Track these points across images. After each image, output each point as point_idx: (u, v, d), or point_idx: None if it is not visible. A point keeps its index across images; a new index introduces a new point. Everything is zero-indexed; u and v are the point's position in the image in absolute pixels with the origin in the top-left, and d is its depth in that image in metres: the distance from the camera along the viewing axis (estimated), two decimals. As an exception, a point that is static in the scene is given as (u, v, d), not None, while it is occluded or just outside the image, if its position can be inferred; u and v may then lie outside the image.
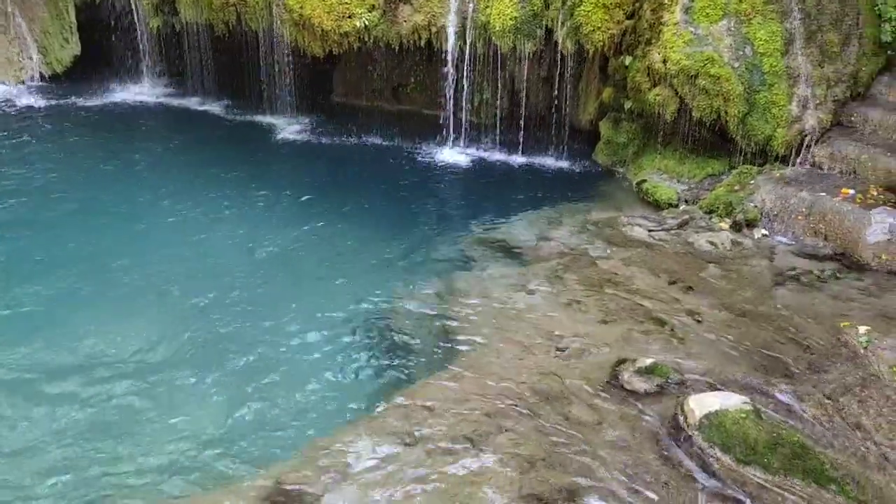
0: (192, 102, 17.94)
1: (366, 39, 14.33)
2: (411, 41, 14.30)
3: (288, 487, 6.03)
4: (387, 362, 7.99)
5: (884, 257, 9.98)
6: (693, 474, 6.14)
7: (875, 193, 10.83)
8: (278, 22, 14.94)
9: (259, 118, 16.78)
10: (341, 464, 6.27)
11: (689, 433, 6.44)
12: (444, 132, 14.98)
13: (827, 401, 7.23)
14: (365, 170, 14.07)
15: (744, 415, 6.41)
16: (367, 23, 13.93)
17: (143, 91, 18.51)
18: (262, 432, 6.88)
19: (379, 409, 7.10)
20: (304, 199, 12.44)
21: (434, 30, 14.03)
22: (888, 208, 10.39)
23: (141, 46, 18.22)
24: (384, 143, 15.41)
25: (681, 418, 6.60)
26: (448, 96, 14.60)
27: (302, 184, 13.13)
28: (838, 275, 9.78)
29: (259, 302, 9.04)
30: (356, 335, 8.44)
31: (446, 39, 14.01)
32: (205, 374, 7.64)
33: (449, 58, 14.19)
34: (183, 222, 11.33)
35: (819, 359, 7.88)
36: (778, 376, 7.52)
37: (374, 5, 13.95)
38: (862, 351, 7.90)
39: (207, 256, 10.27)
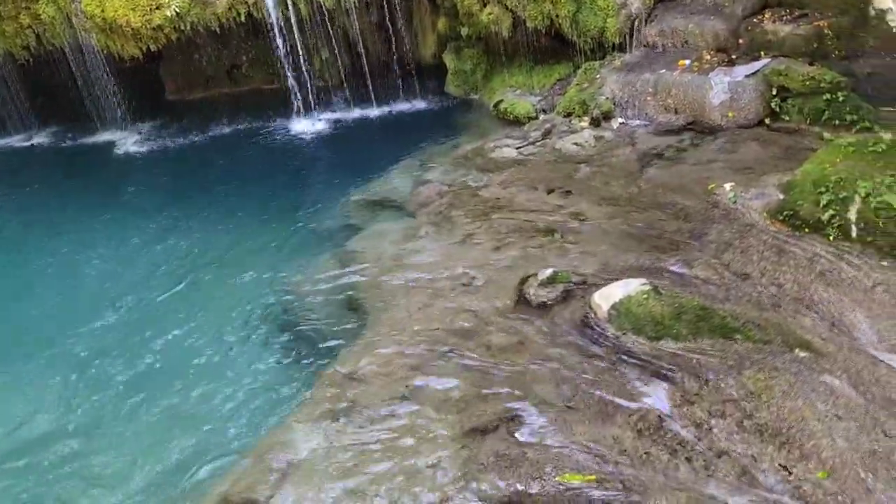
0: (16, 140, 16.47)
1: (182, 28, 13.51)
2: (231, 18, 13.61)
3: (234, 499, 5.88)
4: (302, 346, 7.85)
5: (730, 115, 10.63)
6: (615, 363, 6.45)
7: (708, 58, 11.45)
8: (82, 32, 13.81)
9: (94, 139, 15.62)
10: (284, 461, 6.16)
11: (602, 327, 6.75)
12: (293, 103, 14.52)
13: (713, 260, 7.73)
14: (222, 162, 13.47)
15: (645, 295, 6.76)
16: (177, 10, 13.11)
17: (-46, 142, 16.82)
18: (197, 447, 6.64)
19: (307, 395, 6.99)
20: (167, 211, 11.78)
21: (251, 1, 13.40)
22: (723, 68, 11.03)
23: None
24: (234, 129, 14.77)
25: (591, 316, 6.90)
26: (286, 66, 14.10)
27: (160, 196, 12.42)
28: (695, 142, 10.36)
29: (157, 322, 8.58)
30: (264, 328, 8.22)
31: (266, 8, 13.42)
32: (127, 401, 7.31)
33: (275, 26, 13.64)
34: (42, 274, 10.44)
35: (697, 224, 8.38)
36: (666, 251, 7.95)
37: (180, -10, 13.12)
38: (732, 206, 8.46)
39: (82, 299, 9.59)
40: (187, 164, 13.67)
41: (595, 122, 11.32)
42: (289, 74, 14.18)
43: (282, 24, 13.63)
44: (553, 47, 13.04)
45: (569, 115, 11.78)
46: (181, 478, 6.34)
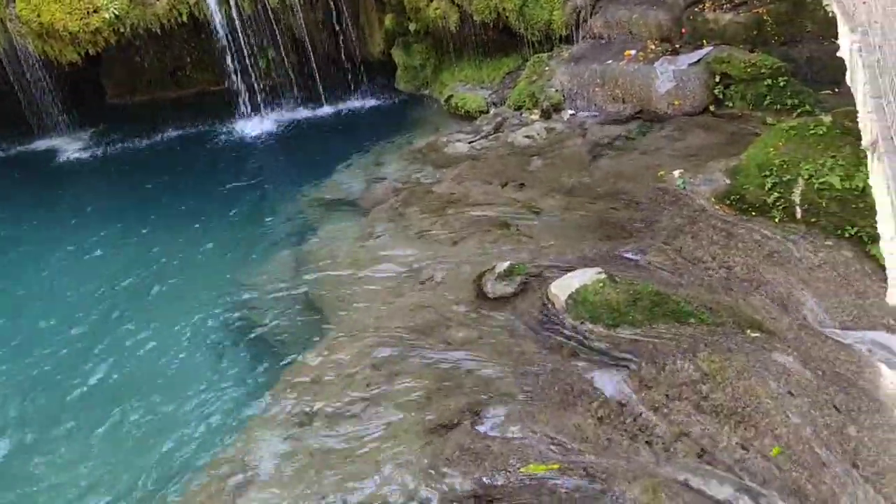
0: (-50, 153, 15.75)
1: (121, 31, 13.13)
2: (172, 19, 13.29)
3: (199, 511, 5.78)
4: (261, 350, 7.71)
5: (676, 103, 10.83)
6: (574, 352, 6.52)
7: (653, 48, 11.63)
8: (17, 37, 13.32)
9: (33, 146, 15.02)
10: (249, 472, 6.05)
11: (560, 317, 6.82)
12: (240, 104, 14.25)
13: (666, 246, 7.87)
14: (170, 167, 13.13)
15: (601, 284, 6.85)
16: (116, 13, 12.74)
17: None
18: (158, 459, 6.48)
19: (268, 401, 6.89)
20: (117, 220, 11.32)
21: (192, 1, 13.10)
22: (668, 57, 11.22)
23: None
24: (180, 133, 14.38)
25: (549, 306, 6.96)
26: (231, 66, 13.84)
27: (109, 205, 12.05)
28: (643, 131, 10.53)
29: (112, 334, 8.30)
30: (222, 334, 8.05)
31: (208, 8, 13.15)
32: (83, 417, 7.09)
33: (218, 26, 13.37)
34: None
35: (649, 212, 8.51)
36: (619, 239, 8.07)
37: (118, -8, 12.75)
38: (682, 192, 8.62)
39: (34, 315, 9.18)
40: (134, 171, 13.28)
41: (546, 115, 11.41)
42: (235, 75, 13.93)
43: (225, 23, 13.37)
44: (501, 40, 13.08)
45: (519, 107, 11.84)
46: (141, 493, 6.18)
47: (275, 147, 13.30)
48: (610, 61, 11.50)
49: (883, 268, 7.37)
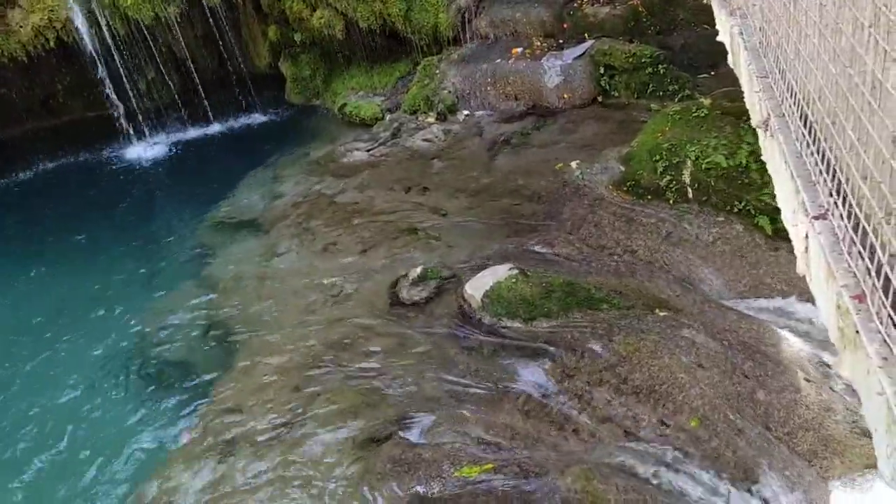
0: None
1: (-17, 61, 12.23)
2: (39, 46, 12.48)
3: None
4: (173, 382, 7.32)
5: (566, 96, 11.14)
6: (495, 350, 6.57)
7: (539, 44, 11.91)
8: None
9: None
10: (169, 511, 5.77)
11: (478, 316, 6.85)
12: (123, 129, 13.55)
13: (571, 237, 8.07)
14: (54, 201, 12.30)
15: (514, 280, 6.94)
16: (-25, 42, 11.84)
17: None
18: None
19: (186, 434, 6.56)
20: (3, 260, 10.51)
21: (59, 25, 12.35)
22: (553, 53, 11.52)
23: None
24: (60, 164, 13.52)
25: (465, 307, 6.98)
26: (108, 91, 13.14)
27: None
28: (538, 126, 10.76)
29: (16, 377, 7.67)
30: (130, 369, 7.58)
31: (77, 32, 12.43)
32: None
33: (90, 50, 12.67)
34: None
35: (551, 204, 8.70)
36: (526, 234, 8.20)
37: (-27, 19, 11.86)
38: (581, 183, 8.85)
39: None
40: (14, 208, 12.36)
41: (441, 117, 11.47)
42: (113, 99, 13.23)
43: (97, 46, 12.68)
44: (390, 46, 13.05)
45: (415, 112, 11.85)
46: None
47: (165, 171, 12.74)
48: (499, 60, 11.70)
49: (771, 238, 7.84)
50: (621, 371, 6.13)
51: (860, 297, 1.73)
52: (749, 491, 5.43)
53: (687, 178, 8.30)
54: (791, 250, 8.10)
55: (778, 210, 8.13)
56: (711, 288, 7.45)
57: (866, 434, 5.92)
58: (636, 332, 6.45)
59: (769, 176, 8.42)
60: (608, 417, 5.86)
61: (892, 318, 1.57)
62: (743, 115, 8.49)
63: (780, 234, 7.84)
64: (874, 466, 5.69)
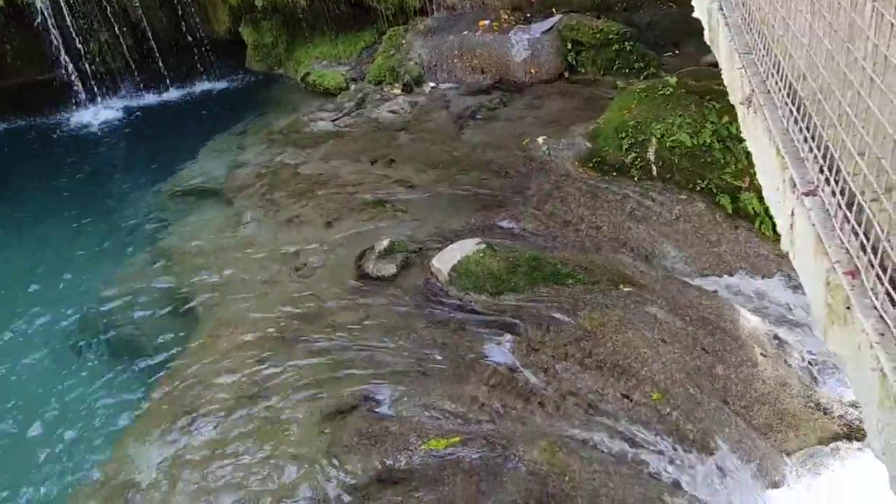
0: None
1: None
2: (-16, 2, 11.89)
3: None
4: (132, 355, 7.14)
5: (533, 71, 11.10)
6: (462, 324, 6.57)
7: (506, 17, 11.81)
8: None
9: None
10: (131, 485, 5.65)
11: (445, 290, 6.84)
12: (75, 93, 13.06)
13: (537, 212, 8.09)
14: (2, 167, 11.84)
15: (482, 254, 6.93)
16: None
17: None
18: (30, 483, 5.88)
19: (144, 408, 6.42)
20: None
21: (8, -19, 11.79)
22: (521, 26, 11.44)
23: None
24: (8, 127, 12.99)
25: (432, 281, 6.95)
26: (60, 53, 12.62)
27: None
28: (504, 100, 10.71)
29: None
30: (86, 342, 7.37)
31: (27, -12, 11.89)
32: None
33: (40, 10, 12.12)
34: None
35: (518, 179, 8.70)
36: (493, 209, 8.19)
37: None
38: (547, 158, 8.87)
39: None
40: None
41: (407, 88, 11.33)
42: (65, 62, 12.71)
43: (48, 6, 12.13)
44: (355, 14, 12.80)
45: (380, 82, 11.68)
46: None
47: (121, 137, 12.33)
48: (466, 32, 11.57)
49: (731, 216, 8.00)
50: (586, 345, 6.19)
51: (853, 273, 1.76)
52: (707, 462, 5.58)
53: (652, 156, 8.38)
54: (750, 228, 8.29)
55: (738, 189, 8.31)
56: (673, 264, 7.57)
57: (820, 409, 6.13)
58: (601, 307, 6.52)
59: (731, 156, 8.58)
60: (573, 391, 5.92)
61: (890, 295, 1.59)
62: (707, 94, 8.61)
63: (740, 213, 8.03)
64: (827, 441, 5.90)
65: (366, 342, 6.54)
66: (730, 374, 6.19)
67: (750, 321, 6.80)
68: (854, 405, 6.07)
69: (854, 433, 5.82)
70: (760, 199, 7.83)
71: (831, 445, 5.79)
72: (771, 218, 7.79)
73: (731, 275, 7.43)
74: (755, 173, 8.47)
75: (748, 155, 8.11)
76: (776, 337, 6.78)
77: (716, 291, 7.19)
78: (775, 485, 5.57)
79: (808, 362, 6.59)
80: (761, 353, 6.48)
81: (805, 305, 7.15)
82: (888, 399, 1.47)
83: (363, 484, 5.28)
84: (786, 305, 7.07)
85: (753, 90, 2.66)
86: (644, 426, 5.72)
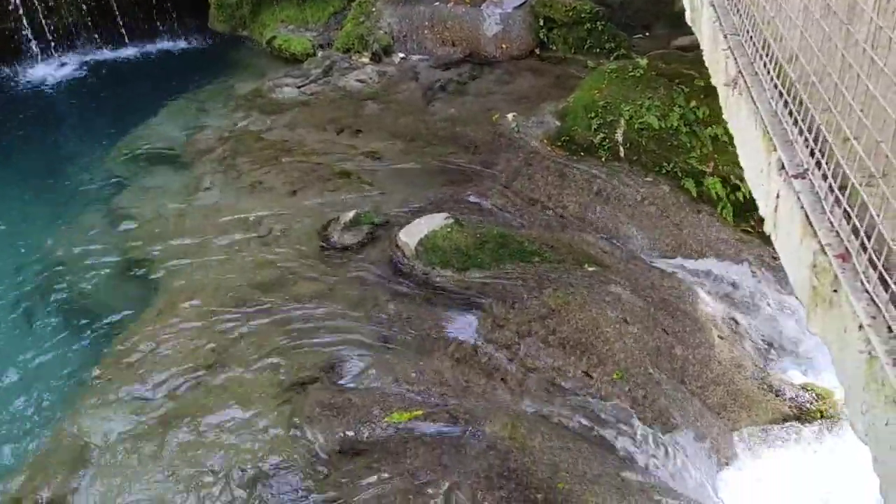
0: None
1: None
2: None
3: (31, 499, 5.17)
4: (84, 322, 6.93)
5: (504, 46, 11.01)
6: (427, 298, 6.55)
7: (481, -10, 11.65)
8: None
9: None
10: (83, 451, 5.50)
11: (411, 264, 6.79)
12: (26, 46, 12.48)
13: (506, 189, 8.07)
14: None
15: (449, 229, 6.89)
16: None
17: None
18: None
19: (98, 376, 6.24)
20: None
21: (-45, -78, 11.15)
22: (493, 1, 11.32)
23: None
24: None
25: (398, 254, 6.90)
26: (13, 3, 12.02)
27: None
28: (474, 74, 10.61)
29: None
30: (37, 307, 7.12)
31: (-22, -69, 11.27)
32: None
33: (-8, -46, 11.52)
34: None
35: (486, 155, 8.66)
36: (461, 183, 8.15)
37: None
38: (516, 135, 8.83)
39: None
40: None
41: (376, 58, 11.13)
42: (18, 13, 12.12)
43: (1, -50, 11.53)
44: (324, -21, 12.49)
45: (348, 50, 11.45)
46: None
47: (75, 94, 11.84)
48: (438, 3, 11.40)
49: (695, 200, 8.10)
50: (550, 323, 6.23)
51: (844, 257, 1.77)
52: (664, 439, 5.69)
53: (620, 137, 8.42)
54: (712, 213, 8.38)
55: (703, 173, 8.40)
56: (637, 245, 7.65)
57: (772, 390, 6.29)
58: (566, 285, 6.55)
59: (697, 140, 8.65)
60: (536, 368, 5.97)
61: (883, 278, 1.60)
62: (677, 77, 8.67)
63: (703, 197, 8.13)
64: (778, 421, 6.07)
65: (329, 313, 6.47)
66: (688, 354, 6.30)
67: (708, 304, 6.92)
68: (805, 388, 6.25)
69: (804, 415, 6.00)
70: (724, 183, 7.95)
71: (782, 426, 5.96)
72: (732, 204, 7.96)
73: (692, 258, 7.54)
74: (719, 158, 8.54)
75: (713, 140, 8.25)
76: (733, 319, 6.93)
77: (677, 274, 7.29)
78: (727, 461, 5.72)
79: (763, 345, 6.75)
80: (718, 336, 6.61)
81: (761, 291, 7.32)
82: (874, 381, 1.49)
83: (325, 455, 5.24)
84: (745, 289, 7.21)
85: (740, 72, 2.65)
86: (605, 403, 5.80)
